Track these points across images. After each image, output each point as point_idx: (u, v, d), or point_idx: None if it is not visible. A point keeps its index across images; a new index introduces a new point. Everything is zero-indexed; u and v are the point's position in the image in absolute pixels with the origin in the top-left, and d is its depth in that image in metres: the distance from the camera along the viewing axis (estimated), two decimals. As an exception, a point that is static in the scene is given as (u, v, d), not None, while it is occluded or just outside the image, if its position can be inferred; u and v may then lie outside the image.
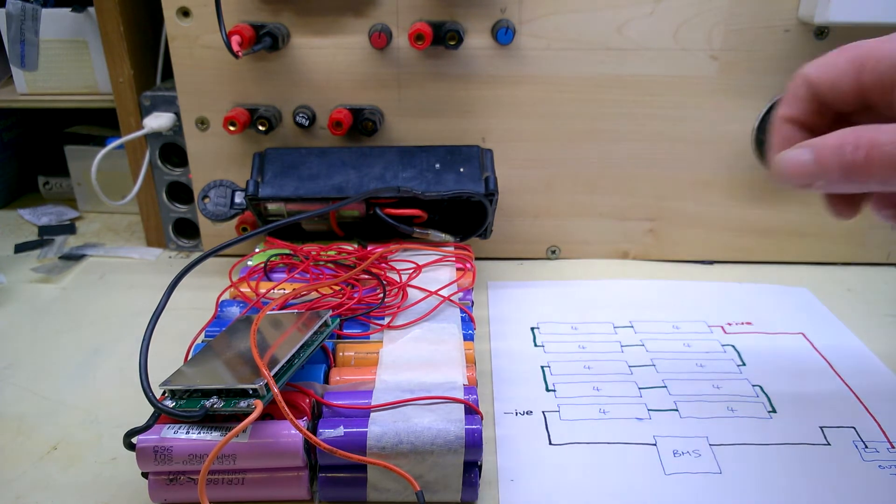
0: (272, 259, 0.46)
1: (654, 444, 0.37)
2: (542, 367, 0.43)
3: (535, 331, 0.47)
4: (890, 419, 0.38)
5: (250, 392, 0.31)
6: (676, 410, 0.39)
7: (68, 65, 0.58)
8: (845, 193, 0.32)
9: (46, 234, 0.62)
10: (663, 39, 0.50)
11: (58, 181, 0.70)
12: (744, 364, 0.43)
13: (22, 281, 0.55)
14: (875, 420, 0.38)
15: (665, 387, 0.41)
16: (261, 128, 0.51)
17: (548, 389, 0.41)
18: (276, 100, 0.52)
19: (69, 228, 0.63)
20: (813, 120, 0.32)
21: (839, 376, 0.42)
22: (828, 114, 0.31)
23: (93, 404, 0.41)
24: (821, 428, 0.38)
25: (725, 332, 0.47)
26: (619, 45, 0.50)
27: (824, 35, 0.49)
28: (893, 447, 0.36)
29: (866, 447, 0.36)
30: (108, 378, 0.43)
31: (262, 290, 0.43)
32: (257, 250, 0.48)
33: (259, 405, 0.30)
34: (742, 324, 0.48)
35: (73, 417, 0.40)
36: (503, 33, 0.49)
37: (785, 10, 0.48)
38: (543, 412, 0.39)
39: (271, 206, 0.49)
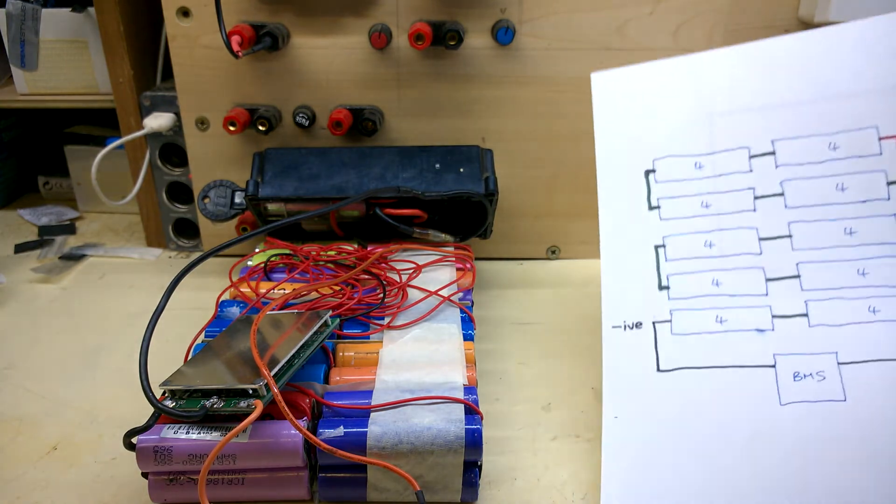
0: (272, 259, 0.46)
1: (773, 366, 0.32)
2: (656, 248, 0.37)
3: (651, 177, 0.38)
4: None
5: (250, 392, 0.31)
6: (806, 316, 0.33)
7: (68, 65, 0.58)
8: None
9: (46, 234, 0.62)
10: (663, 39, 0.50)
11: (58, 181, 0.70)
12: None
13: (22, 281, 0.55)
14: None
15: (798, 276, 0.34)
16: (261, 128, 0.51)
17: (661, 287, 0.36)
18: (276, 100, 0.52)
19: (69, 228, 0.63)
20: None
21: None
22: None
23: (93, 404, 0.41)
24: None
25: None
26: (619, 45, 0.50)
27: (824, 35, 0.49)
28: None
29: None
30: (108, 378, 0.43)
31: (262, 290, 0.43)
32: (257, 250, 0.48)
33: (259, 405, 0.30)
34: None
35: (73, 417, 0.40)
36: (503, 33, 0.49)
37: (785, 10, 0.49)
38: (654, 324, 0.35)
39: (271, 206, 0.49)
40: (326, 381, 0.37)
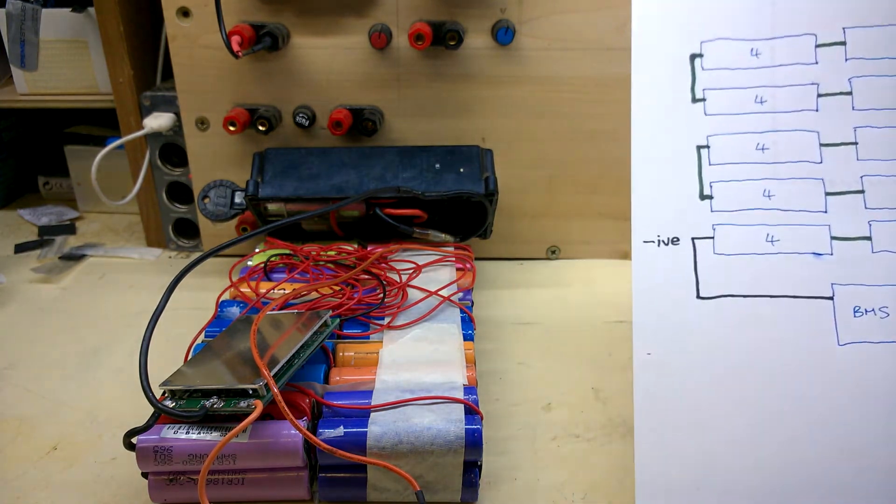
0: (272, 259, 0.46)
1: (831, 298, 0.28)
2: (698, 149, 0.31)
3: (697, 62, 0.32)
4: None
5: (250, 392, 0.31)
6: (869, 239, 0.29)
7: (68, 65, 0.58)
8: None
9: (46, 234, 0.62)
10: (663, 39, 0.50)
11: (58, 181, 0.70)
12: None
13: (22, 281, 0.55)
14: None
15: (862, 192, 0.30)
16: (261, 128, 0.51)
17: (703, 196, 0.31)
18: (276, 100, 0.52)
19: (69, 228, 0.63)
20: None
21: None
22: None
23: (93, 404, 0.41)
24: None
25: None
26: (619, 45, 0.50)
27: (824, 35, 0.49)
28: None
29: None
30: (108, 378, 0.43)
31: (262, 290, 0.43)
32: (257, 250, 0.48)
33: (259, 405, 0.30)
34: None
35: (73, 417, 0.40)
36: (503, 33, 0.49)
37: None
38: (693, 240, 0.30)
39: (271, 206, 0.49)
40: (326, 381, 0.37)
